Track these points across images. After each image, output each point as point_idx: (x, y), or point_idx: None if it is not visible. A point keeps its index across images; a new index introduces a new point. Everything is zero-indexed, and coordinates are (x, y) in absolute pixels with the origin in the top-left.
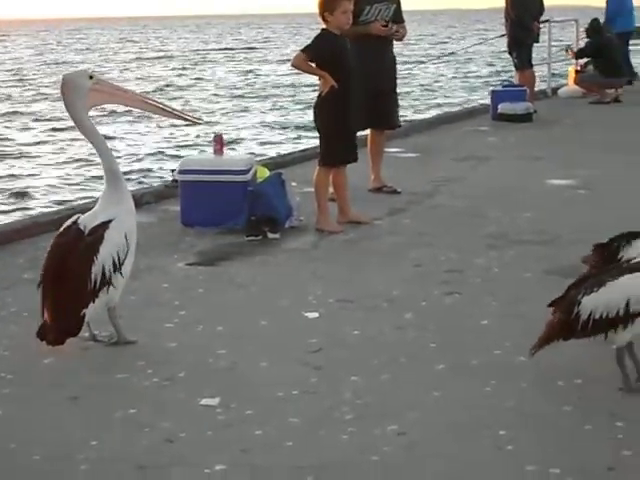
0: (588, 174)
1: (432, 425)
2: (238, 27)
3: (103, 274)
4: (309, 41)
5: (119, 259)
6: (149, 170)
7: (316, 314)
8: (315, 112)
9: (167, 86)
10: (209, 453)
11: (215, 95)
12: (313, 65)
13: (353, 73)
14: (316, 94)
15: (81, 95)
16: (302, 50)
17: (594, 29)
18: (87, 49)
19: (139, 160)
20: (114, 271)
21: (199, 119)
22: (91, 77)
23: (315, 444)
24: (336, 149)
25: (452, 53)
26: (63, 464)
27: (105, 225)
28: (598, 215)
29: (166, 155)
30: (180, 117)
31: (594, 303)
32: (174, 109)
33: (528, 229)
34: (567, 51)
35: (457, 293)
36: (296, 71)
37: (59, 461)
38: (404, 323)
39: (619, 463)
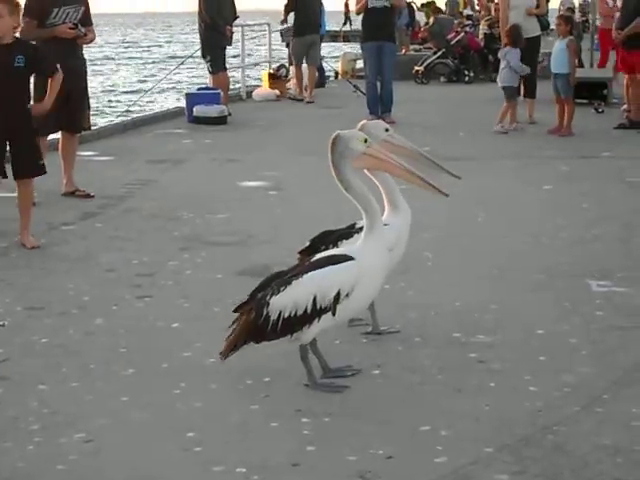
0: (279, 175)
1: (120, 430)
2: None
3: None
4: None
5: None
6: None
7: (3, 323)
8: None
9: None
10: None
11: None
12: None
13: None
14: None
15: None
16: None
17: None
18: None
19: None
20: None
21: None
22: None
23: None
24: None
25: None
26: None
27: None
28: (287, 215)
29: None
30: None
31: (283, 303)
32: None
33: (221, 231)
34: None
35: (148, 297)
36: None
37: None
38: (94, 329)
39: (303, 458)
